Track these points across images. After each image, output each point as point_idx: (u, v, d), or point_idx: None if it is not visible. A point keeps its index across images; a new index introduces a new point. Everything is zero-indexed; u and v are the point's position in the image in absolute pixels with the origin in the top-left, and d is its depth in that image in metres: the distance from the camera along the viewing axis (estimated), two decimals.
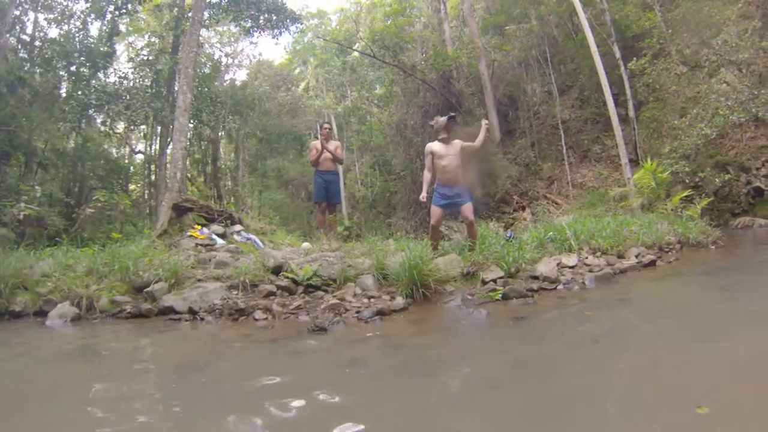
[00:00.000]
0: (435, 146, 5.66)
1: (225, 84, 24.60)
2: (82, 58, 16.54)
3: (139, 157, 24.74)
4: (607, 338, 3.08)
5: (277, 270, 5.05)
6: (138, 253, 5.48)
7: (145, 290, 4.80)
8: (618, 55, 15.20)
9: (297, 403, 2.24)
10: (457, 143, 5.64)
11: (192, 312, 4.40)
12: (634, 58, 13.86)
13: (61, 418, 2.18)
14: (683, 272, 5.54)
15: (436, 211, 5.57)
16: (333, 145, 7.39)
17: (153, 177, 22.00)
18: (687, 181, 11.48)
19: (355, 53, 22.16)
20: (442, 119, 5.68)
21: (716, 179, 11.73)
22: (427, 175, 5.63)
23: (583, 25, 12.72)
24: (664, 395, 2.03)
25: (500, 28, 20.07)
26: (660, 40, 14.24)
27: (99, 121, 18.54)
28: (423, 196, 5.60)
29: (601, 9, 16.16)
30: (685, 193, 9.85)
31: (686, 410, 1.79)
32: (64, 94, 17.43)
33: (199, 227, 7.44)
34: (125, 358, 3.32)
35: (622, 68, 14.85)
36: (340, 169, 7.76)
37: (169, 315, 4.42)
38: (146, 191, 23.56)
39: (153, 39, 20.74)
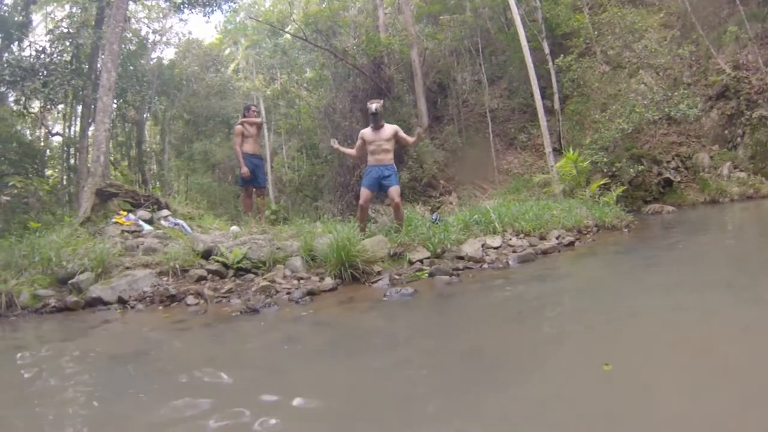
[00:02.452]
0: (366, 132, 5.84)
1: (152, 62, 23.20)
2: None
3: (57, 139, 22.84)
4: (529, 310, 3.35)
5: (206, 254, 4.98)
6: (60, 242, 5.18)
7: (69, 282, 4.58)
8: (547, 50, 15.99)
9: (235, 384, 2.28)
10: (389, 129, 5.79)
11: (122, 301, 4.26)
12: (562, 55, 14.70)
13: None
14: (599, 252, 6.04)
15: (364, 191, 5.73)
16: (257, 122, 7.37)
17: (73, 161, 20.46)
18: (605, 170, 12.38)
19: (288, 35, 21.68)
20: (370, 107, 5.80)
21: (631, 170, 12.76)
22: (350, 150, 6.01)
23: (515, 20, 13.21)
24: (578, 356, 2.29)
25: (434, 17, 20.44)
26: (586, 40, 15.17)
27: (12, 99, 16.94)
28: (334, 142, 5.97)
29: (533, 6, 16.89)
30: (603, 182, 10.64)
31: (596, 368, 2.03)
32: None
33: (125, 213, 7.11)
34: (52, 355, 3.09)
35: (550, 63, 15.66)
36: (267, 152, 7.66)
37: (97, 306, 4.23)
38: (65, 176, 21.88)
39: (74, 10, 19.09)
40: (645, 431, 1.50)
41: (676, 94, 12.98)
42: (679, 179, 13.72)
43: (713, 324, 2.55)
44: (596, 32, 15.21)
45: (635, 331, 2.61)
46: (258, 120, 7.41)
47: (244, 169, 6.99)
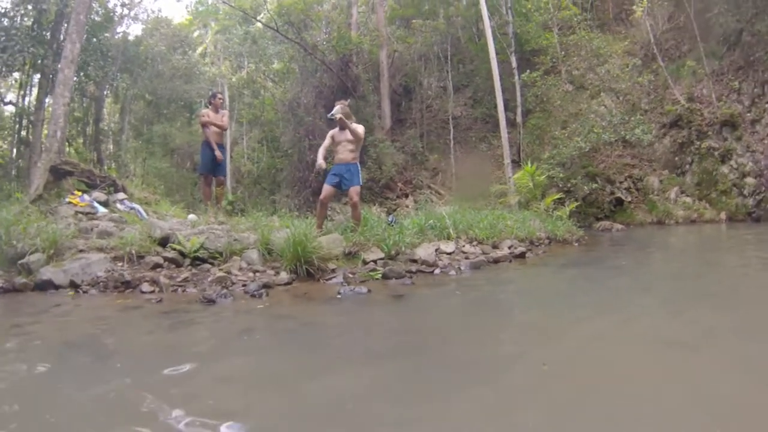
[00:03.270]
0: (334, 131, 5.96)
1: (117, 37, 22.36)
2: None
3: (9, 109, 21.69)
4: (476, 314, 3.59)
5: (163, 241, 4.96)
6: (10, 220, 4.94)
7: (19, 262, 4.43)
8: (514, 65, 16.52)
9: (192, 373, 2.32)
10: (352, 128, 5.89)
11: (74, 285, 4.18)
12: (528, 71, 15.27)
13: None
14: (549, 263, 6.40)
15: (326, 188, 5.86)
16: (221, 113, 7.30)
17: (25, 133, 19.46)
18: (560, 185, 12.96)
19: (259, 24, 21.42)
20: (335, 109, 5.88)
21: (585, 187, 13.40)
22: (321, 150, 5.95)
23: (486, 32, 13.58)
24: (519, 356, 2.51)
25: (407, 20, 20.71)
26: (553, 59, 15.79)
27: None
28: (320, 163, 5.85)
29: (505, 20, 17.38)
30: (557, 196, 11.14)
31: (535, 367, 2.27)
32: None
33: (80, 193, 6.95)
34: None
35: (516, 77, 16.21)
36: (228, 141, 7.61)
37: (47, 289, 4.13)
38: (15, 149, 20.76)
39: None
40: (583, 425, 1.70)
41: (633, 119, 13.77)
42: (629, 199, 14.51)
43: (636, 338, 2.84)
44: (563, 52, 15.87)
45: (570, 332, 2.90)
46: (223, 124, 7.32)
47: (218, 153, 6.98)
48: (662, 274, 5.68)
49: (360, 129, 5.96)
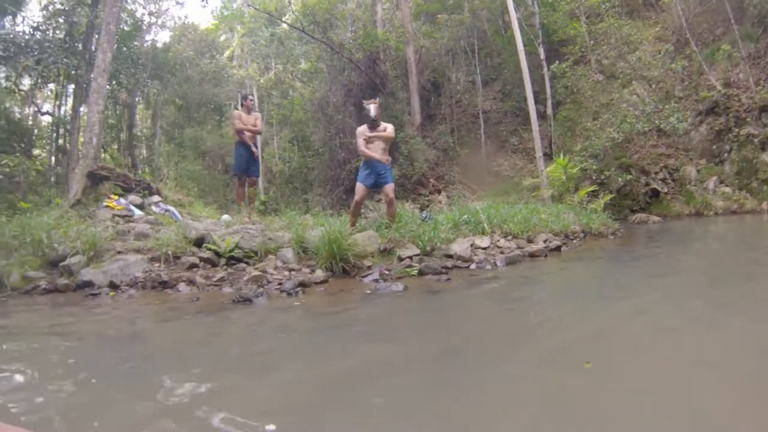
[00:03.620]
0: (364, 129, 5.89)
1: (146, 45, 22.94)
2: None
3: (46, 119, 22.48)
4: (515, 310, 3.45)
5: (199, 242, 5.01)
6: (51, 224, 5.12)
7: (60, 264, 4.56)
8: (542, 56, 16.16)
9: (229, 371, 2.31)
10: (382, 128, 5.87)
11: (113, 286, 4.26)
12: (557, 61, 14.88)
13: None
14: (584, 257, 6.20)
15: (360, 187, 5.80)
16: (254, 116, 7.36)
17: (62, 141, 20.16)
18: (594, 177, 12.59)
19: (285, 25, 21.58)
20: (368, 109, 5.83)
21: (619, 178, 12.99)
22: (364, 149, 5.82)
23: (513, 24, 13.34)
24: (558, 353, 2.37)
25: (432, 15, 20.52)
26: (582, 49, 15.35)
27: (2, 75, 16.66)
28: (379, 157, 5.73)
29: (531, 11, 17.04)
30: (591, 189, 10.82)
31: (578, 365, 2.13)
32: None
33: (116, 197, 7.10)
34: (41, 337, 3.03)
35: (545, 69, 15.84)
36: (259, 141, 7.73)
37: (88, 290, 4.22)
38: (53, 157, 21.54)
39: None
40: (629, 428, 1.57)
41: (667, 107, 13.23)
42: (665, 191, 14.01)
43: (687, 330, 2.67)
44: (592, 41, 15.42)
45: (615, 332, 2.73)
46: (257, 128, 7.41)
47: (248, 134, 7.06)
48: (704, 270, 5.29)
49: (391, 128, 5.95)
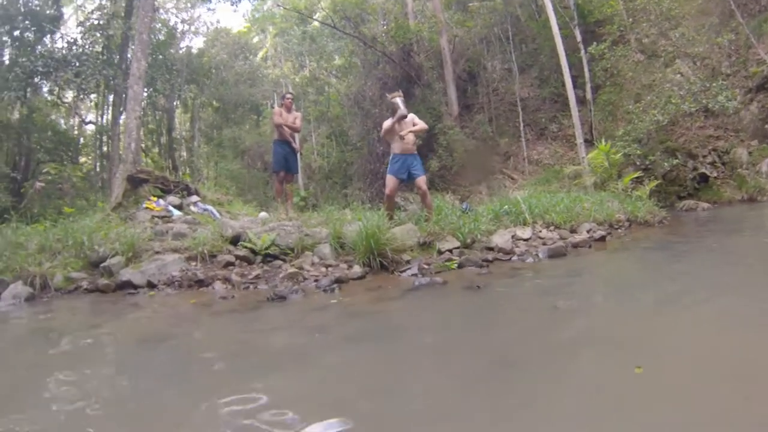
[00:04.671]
0: (407, 123, 5.76)
1: (181, 51, 23.58)
2: (26, 22, 15.43)
3: (90, 127, 23.52)
4: (558, 307, 3.23)
5: (235, 240, 5.00)
6: (92, 227, 5.27)
7: (101, 265, 4.64)
8: (579, 38, 15.51)
9: (264, 371, 2.25)
10: (412, 118, 5.74)
11: (151, 285, 4.30)
12: (595, 43, 14.20)
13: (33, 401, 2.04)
14: (631, 247, 5.86)
15: (390, 180, 5.66)
16: (293, 116, 7.41)
17: (105, 148, 21.01)
18: (638, 163, 11.99)
19: (316, 23, 21.66)
20: (398, 108, 5.68)
21: (665, 163, 12.31)
22: (390, 121, 5.73)
23: (546, 7, 12.89)
24: (605, 356, 2.16)
25: (463, 4, 20.10)
26: (620, 28, 14.65)
27: (46, 89, 17.47)
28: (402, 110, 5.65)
29: None
30: (636, 175, 10.31)
31: (627, 370, 1.92)
32: (7, 62, 16.24)
33: (155, 199, 7.22)
34: (85, 336, 3.10)
35: (582, 52, 15.19)
36: (297, 139, 7.77)
37: (127, 289, 4.29)
38: (98, 163, 22.51)
39: (104, 2, 19.51)
40: None
41: (714, 85, 12.39)
42: (715, 175, 13.19)
43: (747, 329, 2.39)
44: (630, 19, 14.67)
45: (667, 333, 2.46)
46: (296, 126, 7.43)
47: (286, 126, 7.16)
48: (764, 260, 4.88)
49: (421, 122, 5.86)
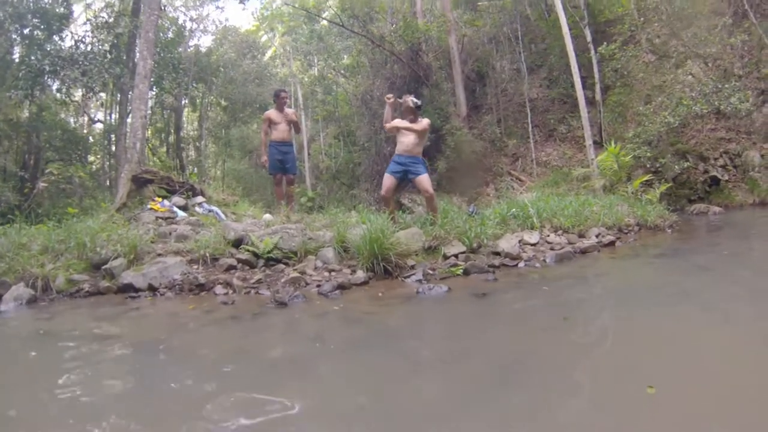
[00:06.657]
0: (402, 121, 5.66)
1: (189, 50, 23.57)
2: (35, 20, 15.44)
3: (99, 126, 23.62)
4: (563, 315, 3.13)
5: (237, 243, 4.94)
6: (96, 228, 5.21)
7: (103, 267, 4.60)
8: (589, 38, 15.32)
9: (260, 380, 2.21)
10: (423, 123, 5.62)
11: (152, 288, 4.26)
12: (605, 43, 13.99)
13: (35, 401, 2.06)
14: (641, 253, 5.71)
15: (387, 179, 5.54)
16: (286, 112, 7.21)
17: (113, 148, 21.09)
18: (648, 165, 11.79)
19: (324, 22, 21.61)
20: (409, 101, 5.61)
21: (676, 166, 12.11)
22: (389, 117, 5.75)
23: (556, 6, 12.71)
24: (619, 375, 2.06)
25: (472, 3, 19.95)
26: (631, 28, 14.43)
27: (54, 88, 17.51)
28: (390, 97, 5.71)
29: None
30: (646, 178, 10.13)
31: (638, 389, 1.82)
32: (16, 60, 16.31)
33: (160, 199, 7.19)
34: (85, 340, 3.12)
35: (592, 52, 14.99)
36: (305, 137, 7.73)
37: (128, 292, 4.25)
38: (106, 162, 22.60)
39: (112, 0, 19.62)
40: None
41: (726, 86, 12.18)
42: (726, 178, 12.96)
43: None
44: (641, 19, 14.45)
45: (681, 347, 2.36)
46: (292, 117, 7.30)
47: (264, 158, 7.16)
48: None
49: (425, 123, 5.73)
